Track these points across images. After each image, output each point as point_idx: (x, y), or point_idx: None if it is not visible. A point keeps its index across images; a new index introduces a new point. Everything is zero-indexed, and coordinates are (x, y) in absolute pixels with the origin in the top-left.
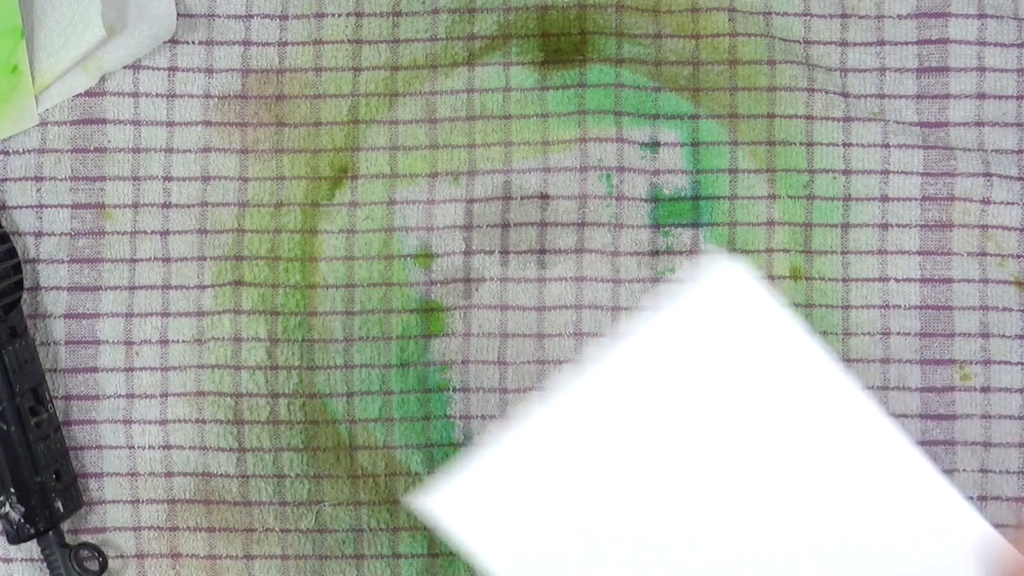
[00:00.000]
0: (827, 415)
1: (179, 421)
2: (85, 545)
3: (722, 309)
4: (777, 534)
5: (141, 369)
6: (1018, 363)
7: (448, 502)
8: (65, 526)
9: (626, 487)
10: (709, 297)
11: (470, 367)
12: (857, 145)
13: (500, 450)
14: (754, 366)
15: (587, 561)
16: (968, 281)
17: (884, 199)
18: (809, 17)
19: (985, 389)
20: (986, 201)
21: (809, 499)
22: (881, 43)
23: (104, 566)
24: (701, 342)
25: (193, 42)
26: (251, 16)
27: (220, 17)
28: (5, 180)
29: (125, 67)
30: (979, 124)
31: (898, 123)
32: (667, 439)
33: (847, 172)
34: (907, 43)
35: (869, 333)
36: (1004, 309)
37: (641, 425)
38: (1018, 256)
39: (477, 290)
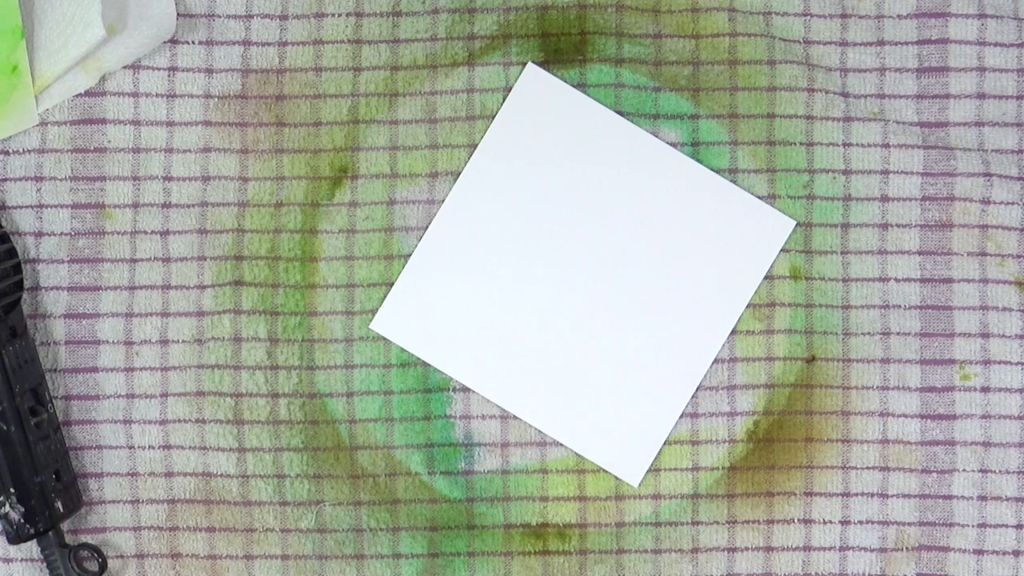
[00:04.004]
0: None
1: (179, 421)
2: (85, 545)
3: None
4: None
5: (141, 369)
6: (1018, 363)
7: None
8: (65, 526)
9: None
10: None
11: None
12: (857, 145)
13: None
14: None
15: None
16: (968, 281)
17: (884, 199)
18: (809, 17)
19: (985, 389)
20: (986, 201)
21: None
22: (881, 43)
23: (104, 566)
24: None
25: (193, 42)
26: (251, 16)
27: (220, 17)
28: (5, 180)
29: (125, 67)
30: (979, 124)
31: (898, 123)
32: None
33: (847, 172)
34: (907, 43)
35: (869, 333)
36: (1004, 309)
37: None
38: (1018, 256)
39: None
